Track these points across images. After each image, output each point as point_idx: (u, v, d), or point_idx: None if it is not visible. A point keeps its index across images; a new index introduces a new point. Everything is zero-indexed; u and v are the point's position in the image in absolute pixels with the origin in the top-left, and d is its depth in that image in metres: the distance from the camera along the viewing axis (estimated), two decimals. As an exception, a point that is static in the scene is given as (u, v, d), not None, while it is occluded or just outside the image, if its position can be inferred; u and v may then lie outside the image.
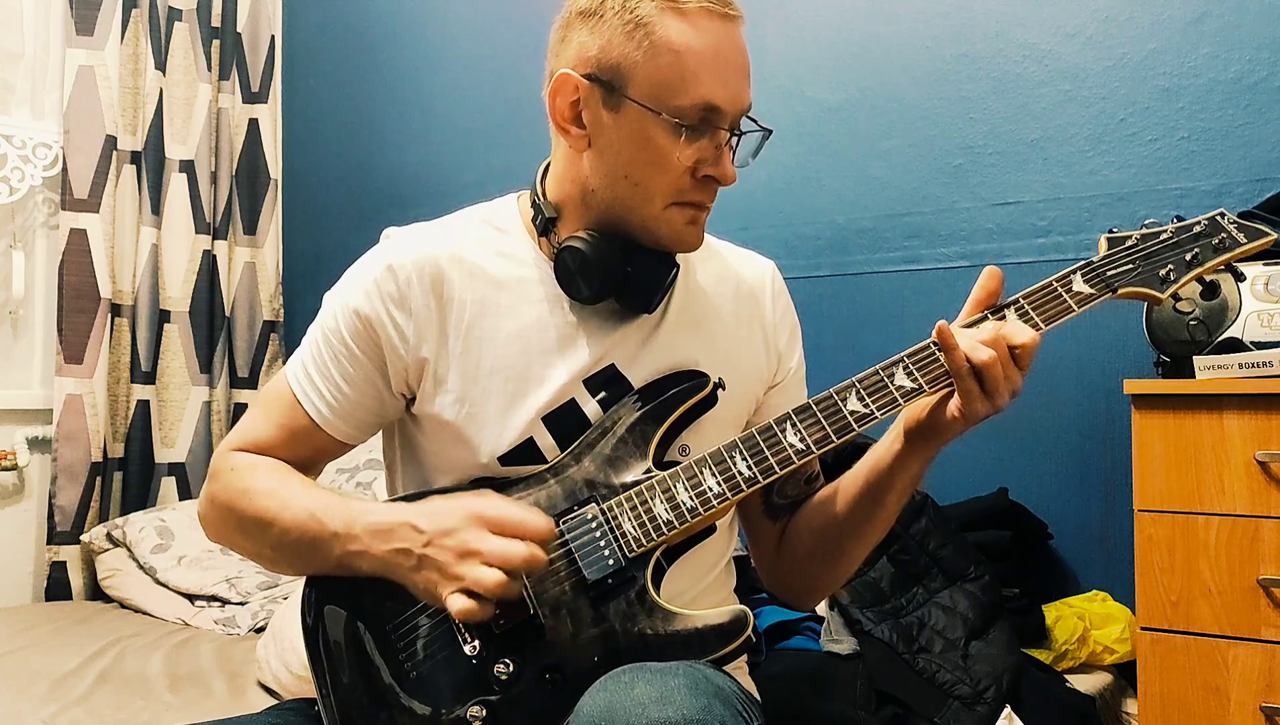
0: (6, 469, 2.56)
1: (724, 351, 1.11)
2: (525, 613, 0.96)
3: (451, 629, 0.97)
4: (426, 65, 2.87)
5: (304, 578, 1.05)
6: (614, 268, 1.03)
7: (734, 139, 1.02)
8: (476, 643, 0.96)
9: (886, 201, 2.17)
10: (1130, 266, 1.01)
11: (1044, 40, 2.03)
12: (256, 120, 3.02)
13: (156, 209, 2.77)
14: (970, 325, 0.99)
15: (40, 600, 2.56)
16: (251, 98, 3.02)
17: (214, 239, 2.90)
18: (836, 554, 1.11)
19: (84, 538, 2.54)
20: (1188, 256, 1.01)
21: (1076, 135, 1.99)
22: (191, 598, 2.28)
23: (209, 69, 2.90)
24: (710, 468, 0.99)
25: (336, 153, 3.01)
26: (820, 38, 2.26)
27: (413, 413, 1.08)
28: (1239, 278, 1.04)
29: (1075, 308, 1.00)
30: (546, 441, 1.04)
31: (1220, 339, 1.53)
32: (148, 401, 2.74)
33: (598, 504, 0.99)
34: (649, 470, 1.01)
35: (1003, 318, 0.99)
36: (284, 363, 1.34)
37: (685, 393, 1.04)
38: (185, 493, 2.77)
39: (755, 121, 1.03)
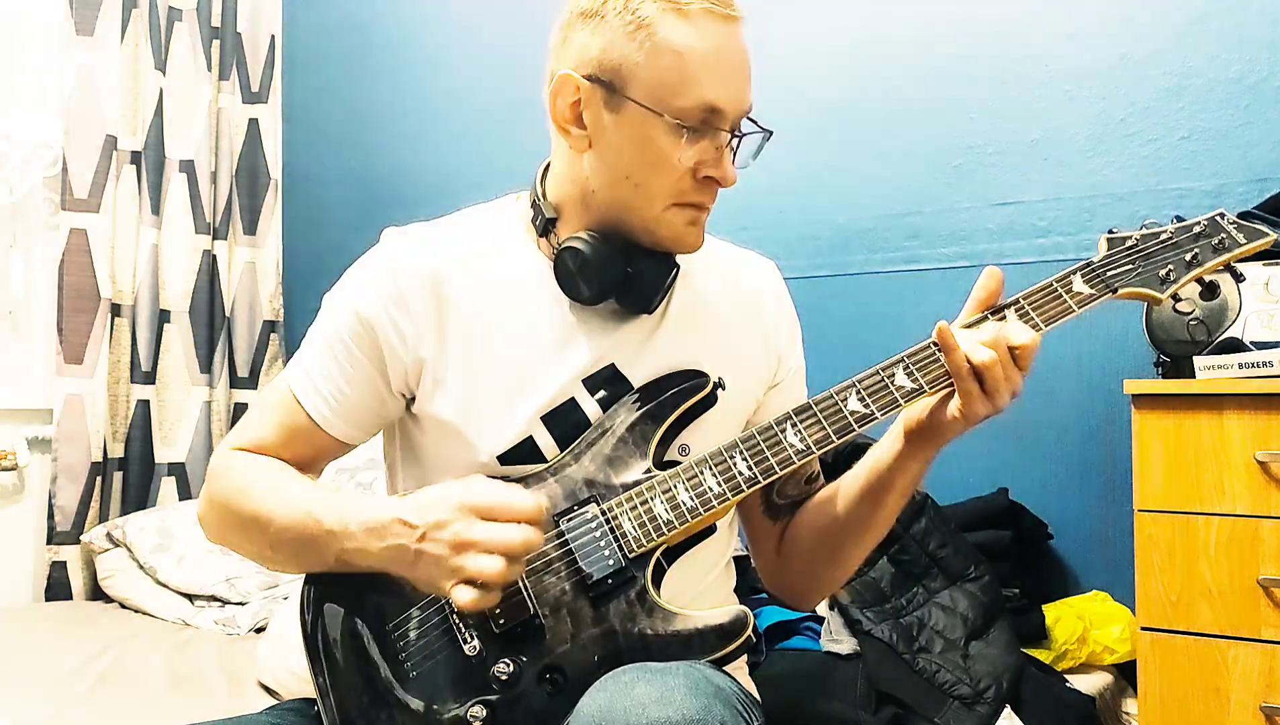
0: (6, 469, 2.56)
1: (724, 352, 1.10)
2: (525, 612, 0.96)
3: (452, 628, 0.97)
4: (426, 65, 2.87)
5: (303, 576, 1.05)
6: (614, 269, 1.03)
7: (735, 140, 1.02)
8: (476, 642, 0.96)
9: (886, 201, 2.17)
10: (1130, 267, 1.01)
11: (1044, 40, 2.03)
12: (256, 120, 3.02)
13: (156, 209, 2.76)
14: (970, 326, 0.99)
15: (40, 600, 2.56)
16: (251, 98, 3.02)
17: (214, 239, 2.90)
18: (837, 554, 1.12)
19: (84, 538, 2.53)
20: (1188, 257, 1.01)
21: (1076, 135, 1.99)
22: (191, 598, 2.28)
23: (209, 69, 2.89)
24: (710, 468, 0.99)
25: (336, 153, 3.01)
26: (820, 38, 2.26)
27: (413, 412, 1.08)
28: (1238, 278, 1.04)
29: (1075, 308, 1.00)
30: (546, 441, 1.04)
31: (1220, 339, 1.53)
32: (148, 401, 2.74)
33: (598, 504, 0.99)
34: (649, 470, 1.01)
35: (1003, 318, 0.99)
36: (284, 363, 1.35)
37: (685, 392, 1.05)
38: (185, 493, 2.77)
39: (756, 123, 1.03)
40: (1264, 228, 1.02)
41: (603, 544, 0.97)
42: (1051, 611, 1.79)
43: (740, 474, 0.99)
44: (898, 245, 2.16)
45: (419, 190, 2.82)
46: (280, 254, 3.05)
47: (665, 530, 0.97)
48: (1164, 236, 1.02)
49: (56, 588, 2.54)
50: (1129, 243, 1.02)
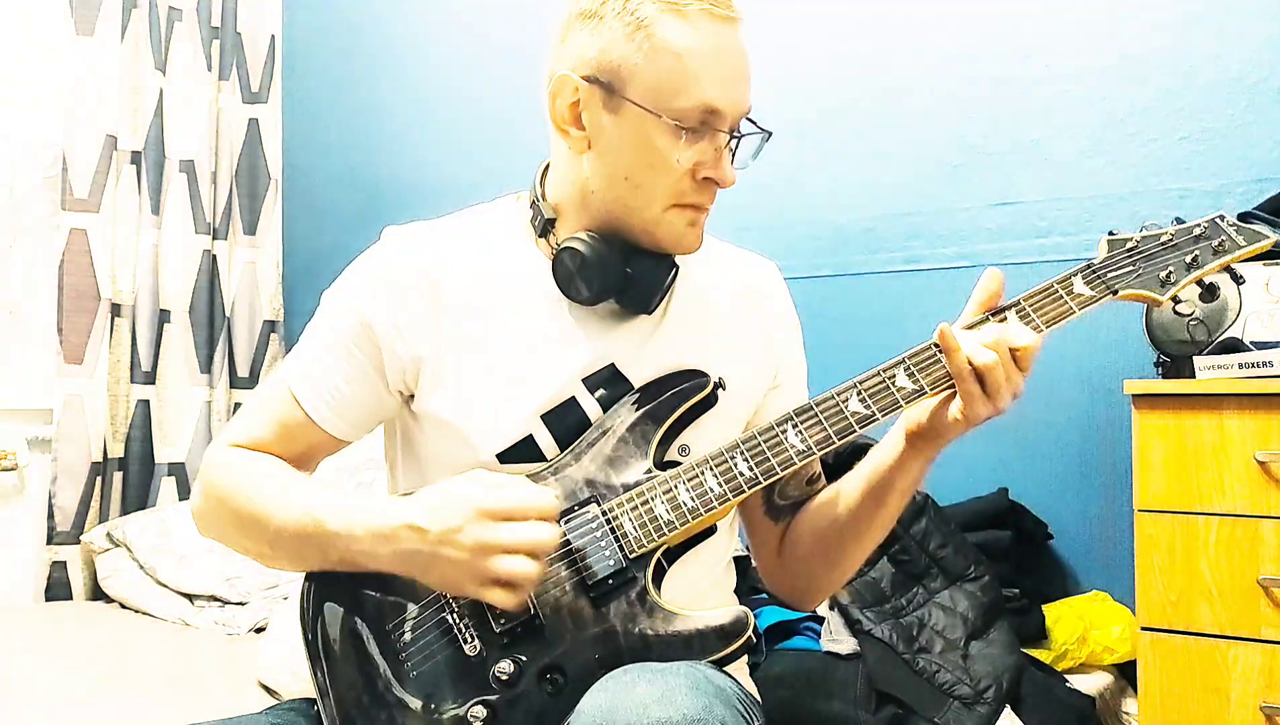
0: (6, 469, 2.56)
1: (724, 352, 1.10)
2: (526, 612, 0.96)
3: (452, 628, 0.97)
4: (426, 65, 2.87)
5: (303, 574, 1.05)
6: (613, 269, 1.03)
7: (734, 141, 1.02)
8: (477, 642, 0.96)
9: (886, 201, 2.17)
10: (1131, 268, 1.01)
11: (1044, 40, 2.03)
12: (256, 120, 3.02)
13: (156, 209, 2.76)
14: (971, 327, 0.99)
15: (40, 600, 2.56)
16: (251, 98, 3.02)
17: (214, 239, 2.90)
18: (838, 555, 1.12)
19: (84, 538, 2.53)
20: (1188, 259, 1.01)
21: (1076, 135, 1.99)
22: (191, 598, 2.28)
23: (209, 69, 2.89)
24: (711, 468, 0.99)
25: (336, 153, 3.01)
26: (820, 37, 2.26)
27: (412, 411, 1.08)
28: (1238, 280, 1.04)
29: (1076, 309, 1.00)
30: (546, 439, 1.04)
31: (1220, 339, 1.53)
32: (148, 401, 2.74)
33: (598, 504, 0.99)
34: (649, 470, 1.01)
35: (1004, 320, 0.99)
36: (284, 363, 1.35)
37: (685, 392, 1.05)
38: (185, 493, 2.77)
39: (755, 123, 1.03)
40: (1263, 230, 1.02)
41: (603, 544, 0.97)
42: (1051, 611, 1.79)
43: (741, 474, 0.99)
44: (897, 245, 2.16)
45: (419, 190, 2.82)
46: (280, 254, 3.05)
47: (666, 531, 0.97)
48: (1164, 238, 1.02)
49: (56, 588, 2.55)
50: (1129, 244, 1.02)
